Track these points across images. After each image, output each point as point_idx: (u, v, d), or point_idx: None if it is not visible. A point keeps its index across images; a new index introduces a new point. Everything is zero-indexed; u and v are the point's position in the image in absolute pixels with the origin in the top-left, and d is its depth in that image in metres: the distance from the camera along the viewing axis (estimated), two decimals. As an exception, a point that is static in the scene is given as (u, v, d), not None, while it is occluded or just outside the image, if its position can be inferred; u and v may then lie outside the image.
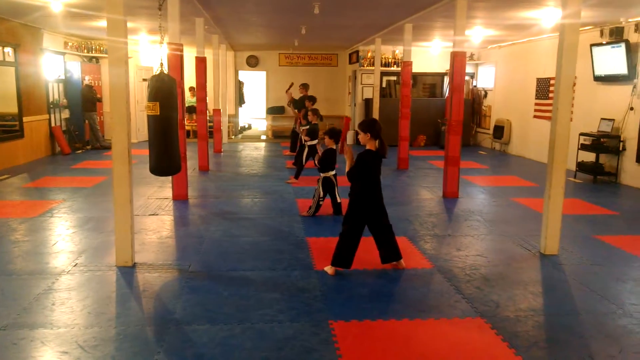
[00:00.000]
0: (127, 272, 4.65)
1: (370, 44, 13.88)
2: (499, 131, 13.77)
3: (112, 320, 3.69)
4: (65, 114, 12.76)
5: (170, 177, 7.61)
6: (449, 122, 7.86)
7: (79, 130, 12.96)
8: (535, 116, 12.14)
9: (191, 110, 14.92)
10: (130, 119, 4.76)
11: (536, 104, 12.09)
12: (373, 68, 13.78)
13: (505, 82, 13.81)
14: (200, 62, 9.97)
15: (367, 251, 5.28)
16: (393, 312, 3.89)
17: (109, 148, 13.02)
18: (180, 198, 7.53)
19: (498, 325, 3.68)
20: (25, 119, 10.66)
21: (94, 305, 3.93)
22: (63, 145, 12.07)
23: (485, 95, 14.97)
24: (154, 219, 6.52)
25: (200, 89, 10.11)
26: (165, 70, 6.14)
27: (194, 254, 5.22)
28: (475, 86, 15.53)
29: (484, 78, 15.16)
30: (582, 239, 5.87)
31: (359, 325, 3.67)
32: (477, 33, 11.49)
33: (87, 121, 12.86)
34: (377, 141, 4.54)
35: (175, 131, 6.25)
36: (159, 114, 6.01)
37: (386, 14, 9.55)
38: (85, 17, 10.01)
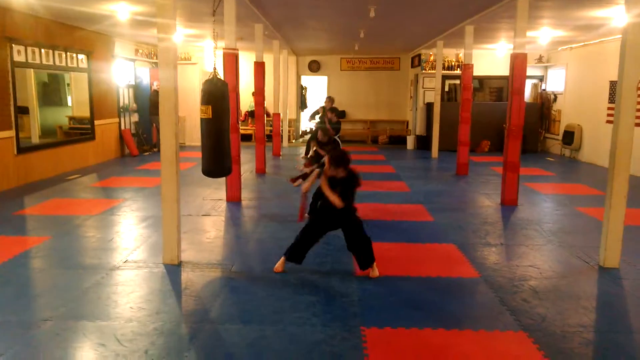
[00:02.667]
0: (173, 270, 4.78)
1: (432, 47, 13.62)
2: (569, 137, 13.09)
3: (151, 315, 3.80)
4: (135, 117, 13.38)
5: (225, 179, 7.78)
6: (509, 126, 7.54)
7: (147, 133, 13.55)
8: (608, 121, 11.42)
9: (254, 114, 15.24)
10: (178, 122, 4.89)
11: (609, 109, 11.39)
12: (435, 71, 13.50)
13: (576, 85, 13.11)
14: (259, 67, 10.15)
15: (409, 257, 5.17)
16: (430, 321, 3.76)
17: (174, 150, 13.52)
18: (233, 200, 7.68)
19: (541, 341, 3.47)
20: (96, 122, 11.28)
21: (136, 301, 4.07)
22: (131, 148, 12.66)
23: (555, 99, 14.28)
24: (206, 219, 6.69)
25: (258, 93, 10.29)
26: (219, 75, 6.32)
27: (238, 255, 5.30)
28: (544, 90, 14.87)
29: (554, 81, 14.48)
30: (649, 253, 5.45)
31: (392, 332, 3.57)
32: (545, 34, 11.01)
33: (154, 124, 13.42)
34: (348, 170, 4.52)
35: (226, 134, 6.39)
36: (211, 117, 6.19)
37: (444, 16, 9.34)
38: (151, 24, 10.48)
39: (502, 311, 3.95)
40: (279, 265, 4.77)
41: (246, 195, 8.10)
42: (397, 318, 3.80)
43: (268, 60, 13.48)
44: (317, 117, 11.51)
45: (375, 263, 4.66)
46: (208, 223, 6.51)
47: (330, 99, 11.95)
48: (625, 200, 4.88)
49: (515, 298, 4.21)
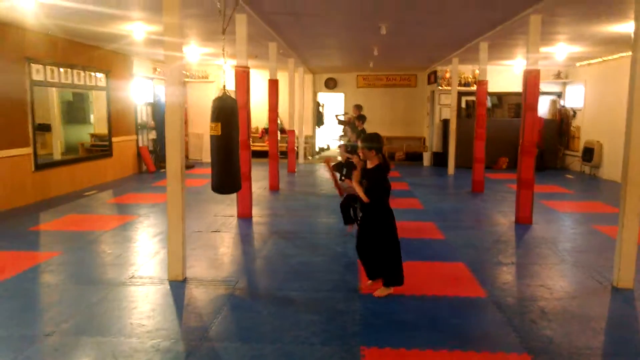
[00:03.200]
0: (177, 286, 4.78)
1: (448, 63, 13.58)
2: (589, 153, 12.85)
3: (150, 332, 3.79)
4: (153, 134, 13.58)
5: (236, 196, 7.80)
6: (522, 143, 7.44)
7: (164, 149, 13.69)
8: (628, 137, 11.19)
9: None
10: (184, 139, 4.93)
11: (629, 125, 11.17)
12: (451, 88, 13.44)
13: (596, 101, 12.90)
14: (273, 85, 10.22)
15: (415, 275, 5.09)
16: (432, 341, 3.67)
17: (191, 167, 13.67)
18: (244, 216, 7.69)
19: (546, 364, 3.36)
20: (114, 139, 11.46)
21: (138, 317, 4.07)
22: (149, 164, 12.82)
23: (574, 116, 14.07)
24: (216, 235, 6.70)
25: (271, 110, 10.34)
26: (228, 92, 6.38)
27: (243, 272, 5.28)
28: (563, 106, 14.67)
29: (573, 97, 14.28)
30: (666, 273, 5.28)
31: (392, 353, 3.50)
32: (561, 49, 10.89)
33: (171, 141, 13.56)
34: (380, 156, 4.50)
35: (236, 151, 6.42)
36: (220, 134, 6.24)
37: (457, 33, 9.32)
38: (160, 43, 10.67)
39: (508, 332, 3.85)
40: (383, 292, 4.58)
41: (257, 212, 8.11)
42: (399, 338, 3.72)
43: (284, 78, 13.64)
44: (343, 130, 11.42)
45: (392, 287, 4.54)
46: (217, 239, 6.52)
47: (357, 107, 11.80)
48: (639, 219, 4.74)
49: (523, 319, 4.10)
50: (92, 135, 11.92)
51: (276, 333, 3.79)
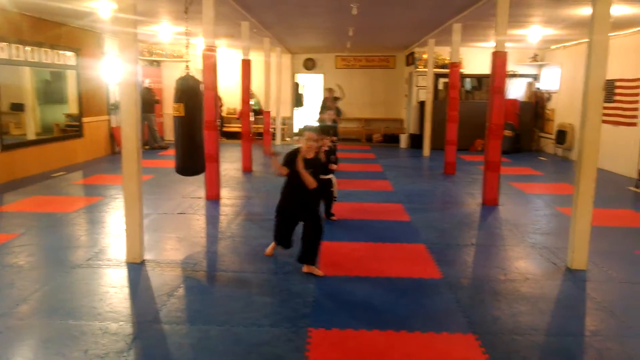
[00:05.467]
0: (134, 268, 4.76)
1: (425, 45, 13.52)
2: (562, 136, 12.97)
3: (101, 314, 3.78)
4: (126, 115, 13.37)
5: (204, 178, 7.74)
6: (489, 125, 7.47)
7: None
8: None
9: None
10: (139, 119, 4.86)
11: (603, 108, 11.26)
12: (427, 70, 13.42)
13: (570, 84, 12.95)
14: (246, 65, 10.11)
15: (374, 257, 5.13)
16: (380, 322, 3.71)
17: (166, 148, 13.55)
18: (212, 198, 7.65)
19: (488, 343, 3.42)
20: (85, 120, 11.29)
21: (89, 299, 4.05)
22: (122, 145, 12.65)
23: (549, 98, 14.16)
24: (181, 217, 6.67)
25: (244, 91, 10.25)
26: (191, 72, 6.30)
27: (203, 254, 5.27)
28: (538, 89, 14.74)
29: (549, 80, 14.35)
30: (621, 254, 5.39)
31: (339, 334, 3.54)
32: (534, 32, 10.89)
33: (145, 122, 13.41)
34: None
35: (199, 132, 6.38)
36: (183, 115, 6.18)
37: (428, 14, 9.27)
38: (141, 22, 10.47)
39: (455, 313, 3.91)
40: (269, 249, 5.11)
41: (227, 194, 8.08)
42: (347, 319, 3.76)
43: (258, 58, 13.49)
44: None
45: (317, 264, 4.70)
46: (182, 222, 6.49)
47: (329, 90, 11.93)
48: (592, 200, 4.81)
49: (473, 300, 4.17)
50: (67, 115, 11.73)
51: (226, 315, 3.80)
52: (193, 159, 6.29)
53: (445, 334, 3.55)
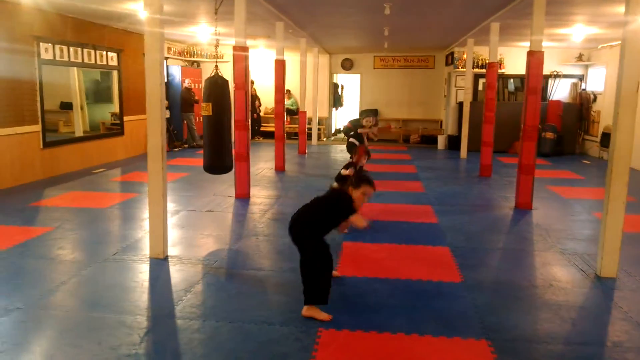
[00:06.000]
0: (157, 264, 4.87)
1: (465, 44, 13.28)
2: (607, 139, 12.44)
3: (118, 307, 3.89)
4: (166, 114, 13.71)
5: (234, 176, 7.84)
6: (524, 127, 7.26)
7: (178, 129, 13.87)
8: (647, 123, 10.82)
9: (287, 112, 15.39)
10: (164, 117, 4.96)
11: (648, 109, 10.78)
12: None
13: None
14: (279, 65, 10.18)
15: (395, 259, 5.07)
16: (392, 325, 3.66)
17: (202, 147, 13.80)
18: (242, 197, 7.74)
19: (501, 350, 3.32)
20: (125, 118, 11.64)
21: (109, 293, 4.17)
22: (161, 143, 12.97)
23: (595, 100, 13.64)
24: (208, 215, 6.78)
25: (278, 91, 10.32)
26: (220, 72, 6.40)
27: (226, 251, 5.33)
28: (584, 89, 14.23)
29: (594, 81, 13.82)
30: (658, 263, 5.13)
31: (349, 335, 3.51)
32: (578, 31, 10.53)
33: (185, 121, 13.72)
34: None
35: (227, 131, 6.48)
36: (211, 114, 6.29)
37: (464, 13, 9.09)
38: (182, 23, 10.71)
39: (471, 318, 3.81)
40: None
41: (256, 192, 8.16)
42: (359, 321, 3.72)
43: (297, 58, 13.56)
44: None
45: (315, 306, 3.75)
46: (209, 219, 6.60)
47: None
48: (624, 206, 4.62)
49: (492, 305, 4.05)
50: (112, 114, 12.14)
51: (239, 312, 3.84)
52: (220, 157, 6.40)
53: (457, 339, 3.47)
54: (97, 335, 3.45)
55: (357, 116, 13.52)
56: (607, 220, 4.64)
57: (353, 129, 9.39)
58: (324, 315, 3.73)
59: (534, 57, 7.07)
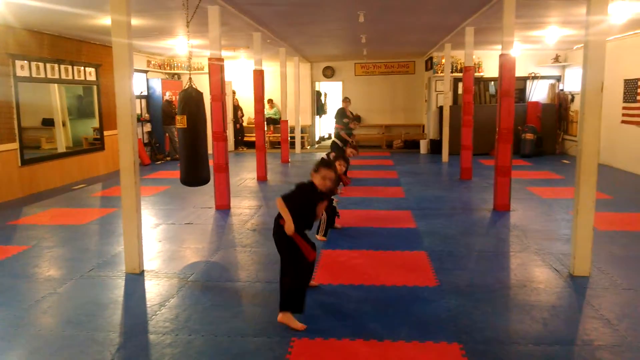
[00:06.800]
0: (132, 279, 4.85)
1: (442, 49, 13.41)
2: (586, 138, 12.59)
3: (91, 323, 3.87)
4: (147, 127, 13.69)
5: (213, 188, 7.82)
6: (498, 130, 7.34)
7: (160, 142, 13.83)
8: (623, 121, 11.00)
9: (268, 121, 15.44)
10: (136, 132, 4.95)
11: (624, 108, 10.96)
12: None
13: (593, 85, 12.61)
14: (258, 75, 10.21)
15: (374, 266, 5.09)
16: (365, 332, 3.67)
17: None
18: (222, 208, 7.73)
19: (473, 353, 3.34)
20: (106, 133, 11.59)
21: (80, 310, 4.13)
22: (143, 157, 12.94)
23: (572, 100, 13.82)
24: (188, 227, 6.76)
25: (257, 101, 10.34)
26: (194, 85, 6.41)
27: (203, 264, 5.32)
28: (561, 90, 14.41)
29: (572, 81, 14.01)
30: (632, 260, 5.21)
31: (322, 344, 3.52)
32: (552, 33, 10.68)
33: (166, 134, 13.69)
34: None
35: (202, 143, 6.47)
36: (186, 126, 6.28)
37: (435, 19, 9.21)
38: (161, 36, 10.70)
39: (445, 322, 3.83)
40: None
41: (237, 203, 8.15)
42: (333, 329, 3.73)
43: (274, 67, 13.61)
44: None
45: (291, 314, 3.76)
46: (187, 232, 6.58)
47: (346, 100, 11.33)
48: (594, 205, 4.68)
49: (466, 308, 4.08)
50: (94, 129, 12.08)
51: (213, 325, 3.83)
52: (197, 169, 6.38)
53: (429, 343, 3.49)
54: (68, 354, 3.43)
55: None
56: (578, 220, 4.70)
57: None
58: (298, 325, 3.73)
59: (506, 60, 7.17)
